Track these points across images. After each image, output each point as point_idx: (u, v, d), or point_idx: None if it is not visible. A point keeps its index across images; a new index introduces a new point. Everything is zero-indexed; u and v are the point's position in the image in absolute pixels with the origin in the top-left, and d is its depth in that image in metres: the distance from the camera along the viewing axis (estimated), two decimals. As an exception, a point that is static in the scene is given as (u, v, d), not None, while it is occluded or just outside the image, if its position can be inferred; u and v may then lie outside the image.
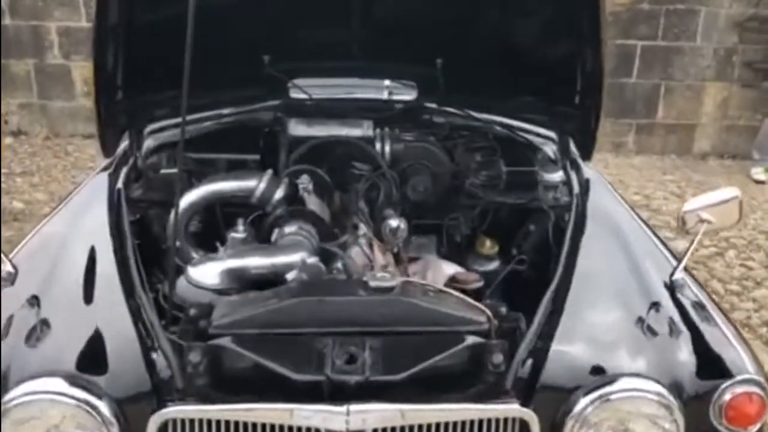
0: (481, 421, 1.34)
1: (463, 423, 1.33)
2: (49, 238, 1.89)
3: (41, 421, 1.29)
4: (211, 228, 2.10)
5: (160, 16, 2.12)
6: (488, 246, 2.20)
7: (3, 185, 5.21)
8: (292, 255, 1.70)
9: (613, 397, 1.37)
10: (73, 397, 1.29)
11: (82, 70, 6.95)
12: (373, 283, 1.43)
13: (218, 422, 1.30)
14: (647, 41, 6.78)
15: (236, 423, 1.30)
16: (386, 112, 2.47)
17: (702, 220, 1.72)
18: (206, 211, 2.10)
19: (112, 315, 1.48)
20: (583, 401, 1.36)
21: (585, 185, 2.30)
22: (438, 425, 1.32)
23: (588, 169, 2.45)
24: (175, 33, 2.19)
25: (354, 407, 1.26)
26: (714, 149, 7.04)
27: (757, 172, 6.39)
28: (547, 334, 1.48)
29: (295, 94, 2.52)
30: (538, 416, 1.35)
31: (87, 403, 1.29)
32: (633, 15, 6.60)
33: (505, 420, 1.35)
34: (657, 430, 1.36)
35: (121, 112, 2.36)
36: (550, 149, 2.54)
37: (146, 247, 2.04)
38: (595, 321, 1.55)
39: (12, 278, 1.61)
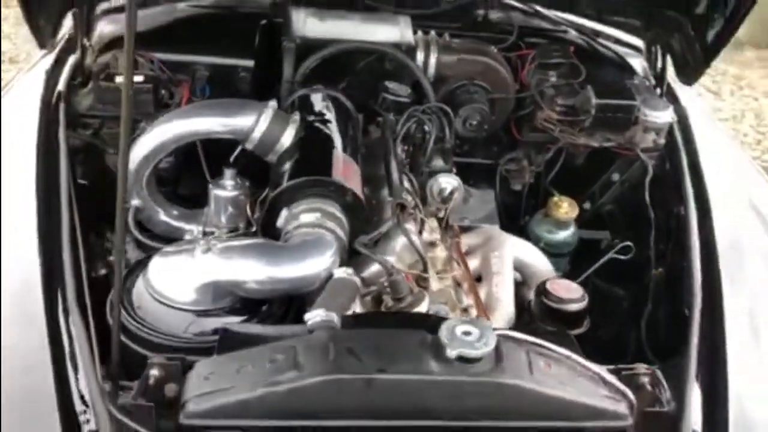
0: None
1: None
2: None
3: None
4: (190, 171, 1.50)
5: None
6: (565, 209, 1.63)
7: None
8: (311, 262, 1.07)
9: None
10: None
11: None
12: (452, 352, 0.85)
13: None
14: None
15: None
16: (429, 6, 1.79)
17: None
18: (183, 147, 1.48)
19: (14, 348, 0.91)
20: None
21: (686, 124, 1.72)
22: None
23: (688, 98, 1.85)
24: None
25: None
26: (751, 38, 6.32)
27: (802, 68, 5.74)
28: (711, 412, 0.95)
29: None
30: None
31: None
32: None
33: None
34: None
35: None
36: (639, 67, 1.91)
37: (94, 186, 1.46)
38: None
39: None
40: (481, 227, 1.54)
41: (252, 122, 1.32)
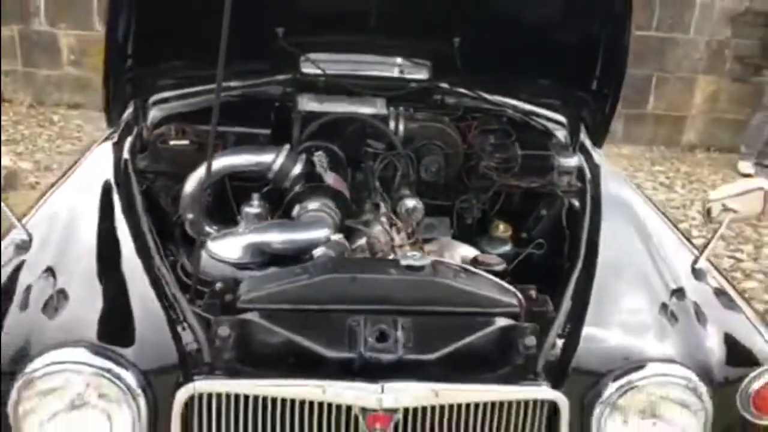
0: (511, 403, 1.33)
1: (494, 404, 1.32)
2: (59, 208, 1.84)
3: (65, 391, 1.25)
4: (221, 202, 2.06)
5: None
6: (501, 229, 2.19)
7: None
8: (316, 231, 1.67)
9: (642, 382, 1.36)
10: (97, 367, 1.25)
11: (69, 39, 6.80)
12: (404, 262, 1.41)
13: (247, 397, 1.28)
14: (641, 31, 6.79)
15: (265, 399, 1.27)
16: (399, 90, 2.44)
17: (727, 209, 1.72)
18: (216, 184, 2.06)
19: (133, 286, 1.44)
20: (613, 386, 1.36)
21: (597, 171, 2.30)
22: (469, 406, 1.31)
23: (598, 156, 2.45)
24: (185, 2, 2.14)
25: (388, 385, 1.25)
26: (702, 142, 7.11)
27: (745, 167, 6.46)
28: (575, 318, 1.47)
29: (306, 69, 2.47)
30: (568, 399, 1.35)
31: (111, 372, 1.26)
32: (629, 4, 6.62)
33: (535, 402, 1.34)
34: (686, 415, 1.37)
35: (129, 82, 2.30)
36: (561, 135, 2.54)
37: (153, 220, 2.01)
38: (621, 306, 1.54)
39: (27, 245, 1.56)
40: (438, 238, 2.09)
41: (272, 158, 1.92)
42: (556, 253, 2.11)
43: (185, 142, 2.21)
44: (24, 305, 1.37)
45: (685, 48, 6.93)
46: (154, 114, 2.42)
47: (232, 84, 2.48)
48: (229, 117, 2.40)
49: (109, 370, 1.26)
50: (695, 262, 1.71)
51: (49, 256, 1.55)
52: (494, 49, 2.32)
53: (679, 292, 1.60)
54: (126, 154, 2.16)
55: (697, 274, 1.69)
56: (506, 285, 1.47)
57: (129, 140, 2.25)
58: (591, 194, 2.14)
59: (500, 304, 1.40)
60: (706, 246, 1.72)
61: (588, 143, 2.48)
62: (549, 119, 2.56)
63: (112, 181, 1.99)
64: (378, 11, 2.27)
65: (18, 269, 1.49)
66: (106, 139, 2.36)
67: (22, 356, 1.29)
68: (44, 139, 6.03)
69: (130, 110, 2.41)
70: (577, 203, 2.18)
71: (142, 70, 2.31)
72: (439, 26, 2.33)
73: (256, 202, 1.90)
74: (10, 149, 5.73)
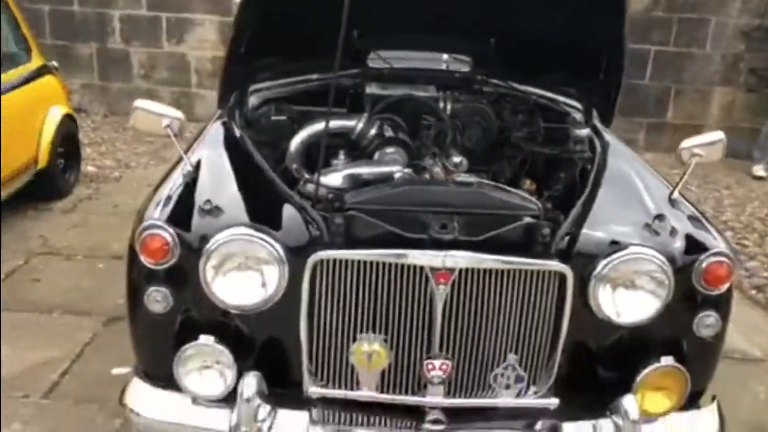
0: (533, 272, 1.93)
1: (521, 272, 1.92)
2: (197, 157, 2.47)
3: (236, 255, 1.89)
4: (308, 158, 2.71)
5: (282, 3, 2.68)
6: (528, 184, 2.78)
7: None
8: (393, 166, 2.30)
9: (624, 259, 1.95)
10: (261, 239, 1.89)
11: (140, 55, 7.62)
12: (459, 179, 2.03)
13: (352, 262, 1.89)
14: (660, 46, 7.38)
15: (365, 263, 1.88)
16: (446, 80, 3.08)
17: (694, 155, 2.31)
18: (304, 146, 2.70)
19: (273, 197, 2.06)
20: (603, 262, 1.95)
21: (605, 143, 2.90)
22: (501, 272, 1.91)
23: (606, 133, 3.06)
24: (288, 11, 2.78)
25: (449, 253, 1.86)
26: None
27: (758, 170, 6.95)
28: (579, 220, 2.07)
29: (372, 64, 3.13)
30: (572, 272, 1.94)
31: (268, 243, 1.89)
32: (647, 21, 7.21)
33: (550, 272, 1.94)
34: (655, 284, 1.94)
35: (240, 75, 2.96)
36: (577, 116, 3.15)
37: None
38: (613, 216, 2.12)
39: (190, 174, 2.19)
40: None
41: (354, 123, 2.57)
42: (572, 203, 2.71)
43: (282, 117, 2.88)
44: (201, 211, 1.99)
45: (702, 62, 7.47)
46: (252, 100, 3.09)
47: (312, 76, 3.16)
48: (310, 101, 3.08)
49: (266, 241, 1.89)
50: (671, 194, 2.30)
51: (206, 182, 2.18)
52: (522, 48, 2.94)
53: (660, 216, 2.17)
54: (237, 131, 2.82)
55: (673, 202, 2.28)
56: (530, 197, 2.08)
57: (236, 119, 2.91)
58: (599, 159, 2.74)
59: (525, 208, 2.00)
60: (680, 181, 2.31)
61: (599, 123, 3.08)
62: (566, 104, 3.18)
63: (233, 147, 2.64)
64: (429, 18, 2.91)
65: (189, 190, 2.12)
66: (217, 119, 3.03)
67: (203, 237, 1.93)
68: (121, 142, 6.78)
69: (234, 97, 3.09)
70: (589, 166, 2.78)
71: (248, 68, 2.98)
72: (479, 30, 2.97)
73: (341, 156, 2.55)
74: (94, 150, 6.48)
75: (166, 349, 1.96)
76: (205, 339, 1.91)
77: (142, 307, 1.96)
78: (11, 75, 4.49)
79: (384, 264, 1.89)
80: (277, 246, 1.89)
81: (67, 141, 5.11)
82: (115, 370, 3.14)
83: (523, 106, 3.05)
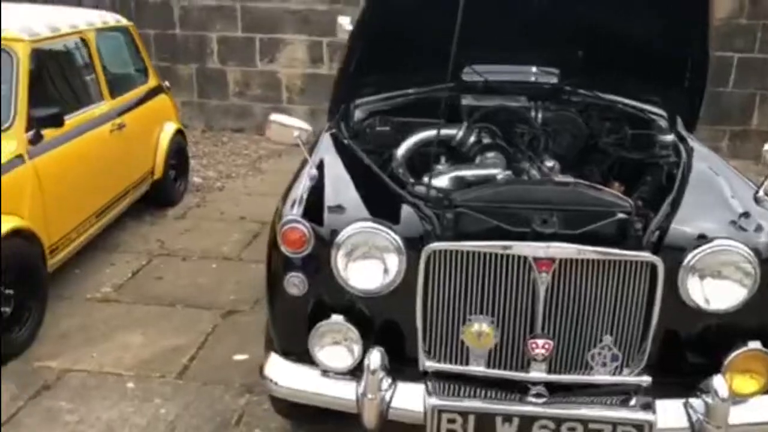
0: (626, 263, 2.14)
1: (616, 263, 2.13)
2: (317, 167, 2.80)
3: (363, 246, 2.19)
4: (412, 164, 2.99)
5: (388, 28, 2.99)
6: (616, 186, 2.98)
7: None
8: (494, 169, 2.57)
9: (711, 250, 2.13)
10: (384, 231, 2.18)
11: (235, 74, 8.15)
12: (557, 179, 2.27)
13: (462, 253, 2.15)
14: (744, 54, 7.34)
15: (473, 254, 2.14)
16: (535, 91, 3.32)
17: (781, 156, 2.47)
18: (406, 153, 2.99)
19: (389, 196, 2.36)
20: (692, 254, 2.14)
21: (689, 148, 3.07)
22: (598, 262, 2.13)
23: (691, 139, 3.22)
24: (394, 35, 3.08)
25: (550, 244, 2.10)
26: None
27: None
28: (668, 218, 2.27)
29: (466, 78, 3.40)
30: (662, 263, 2.14)
31: (391, 236, 2.17)
32: (731, 28, 7.20)
33: (642, 263, 2.13)
34: (741, 274, 2.12)
35: (347, 91, 3.29)
36: (662, 123, 3.32)
37: None
38: (701, 215, 2.31)
39: (315, 178, 2.50)
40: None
41: (455, 132, 2.85)
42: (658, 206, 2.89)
43: (386, 128, 3.19)
44: (330, 208, 2.30)
45: (788, 68, 7.39)
46: (356, 113, 3.41)
47: (409, 90, 3.46)
48: (410, 113, 3.38)
49: (388, 234, 2.18)
50: (756, 193, 2.46)
51: (329, 184, 2.49)
52: (608, 58, 3.15)
53: (745, 214, 2.34)
54: (347, 141, 3.13)
55: (758, 201, 2.44)
56: (623, 196, 2.29)
57: (343, 131, 3.24)
58: (685, 162, 2.91)
59: (618, 205, 2.22)
60: (764, 180, 2.47)
61: (683, 130, 3.25)
62: (651, 112, 3.36)
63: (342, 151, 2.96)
64: (520, 33, 3.15)
65: (315, 191, 2.43)
66: (328, 130, 3.36)
67: (333, 231, 2.24)
68: (221, 155, 7.28)
69: (341, 110, 3.42)
70: (674, 170, 2.95)
71: (354, 84, 3.30)
72: (567, 42, 3.20)
73: (443, 161, 2.83)
74: (196, 162, 6.98)
75: (300, 328, 2.27)
76: (336, 318, 2.22)
77: (281, 291, 2.29)
78: (134, 94, 4.99)
79: (491, 254, 2.15)
80: (397, 238, 2.18)
81: (178, 154, 5.59)
82: (237, 357, 3.53)
83: (610, 114, 3.25)
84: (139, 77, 5.25)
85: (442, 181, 2.55)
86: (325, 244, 2.23)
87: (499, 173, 2.52)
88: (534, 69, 3.42)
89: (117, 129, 4.52)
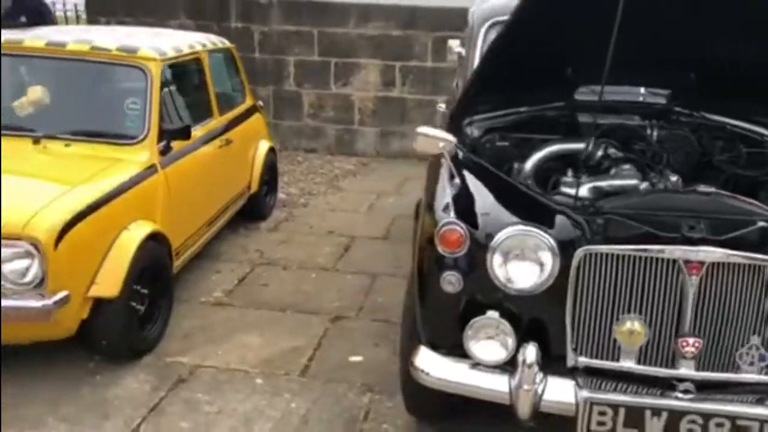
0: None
1: (760, 267, 2.26)
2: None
3: (517, 248, 2.35)
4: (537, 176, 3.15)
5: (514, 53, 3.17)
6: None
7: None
8: (631, 180, 2.73)
9: None
10: (539, 234, 2.34)
11: (309, 97, 8.45)
12: (700, 189, 2.42)
13: (612, 255, 2.29)
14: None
15: (623, 257, 2.29)
16: (645, 110, 3.47)
17: None
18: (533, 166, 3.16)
19: (531, 204, 2.54)
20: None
21: None
22: (744, 266, 2.25)
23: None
24: (518, 58, 3.25)
25: (700, 248, 2.24)
26: None
27: None
28: None
29: (579, 97, 3.56)
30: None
31: (544, 237, 2.33)
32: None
33: (783, 268, 2.28)
34: None
35: (467, 110, 3.47)
36: (770, 143, 3.44)
37: None
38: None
39: (457, 186, 2.68)
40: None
41: (584, 145, 3.02)
42: None
43: (506, 143, 3.37)
44: (482, 213, 2.49)
45: None
46: (471, 131, 3.60)
47: (521, 109, 3.63)
48: (525, 129, 3.55)
49: (542, 236, 2.35)
50: None
51: (470, 192, 2.67)
52: (720, 79, 3.29)
53: None
54: (465, 153, 3.30)
55: None
56: (762, 205, 2.43)
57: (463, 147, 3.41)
58: None
59: (759, 214, 2.35)
60: None
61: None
62: (763, 134, 3.48)
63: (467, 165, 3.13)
64: (633, 54, 3.30)
65: (460, 198, 2.61)
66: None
67: (489, 234, 2.41)
68: (298, 174, 7.53)
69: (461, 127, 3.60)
70: None
71: (474, 103, 3.49)
72: (678, 65, 3.34)
73: (570, 174, 3.00)
74: (279, 180, 7.24)
75: (453, 323, 2.43)
76: (491, 314, 2.38)
77: (436, 288, 2.45)
78: (236, 112, 5.27)
79: (641, 257, 2.29)
80: (552, 240, 2.34)
81: (270, 170, 5.85)
82: (352, 358, 3.71)
83: (721, 133, 3.38)
84: (239, 96, 5.54)
85: (582, 191, 2.72)
86: (480, 246, 2.40)
87: (639, 184, 2.68)
88: (642, 90, 3.56)
89: (225, 144, 4.79)
